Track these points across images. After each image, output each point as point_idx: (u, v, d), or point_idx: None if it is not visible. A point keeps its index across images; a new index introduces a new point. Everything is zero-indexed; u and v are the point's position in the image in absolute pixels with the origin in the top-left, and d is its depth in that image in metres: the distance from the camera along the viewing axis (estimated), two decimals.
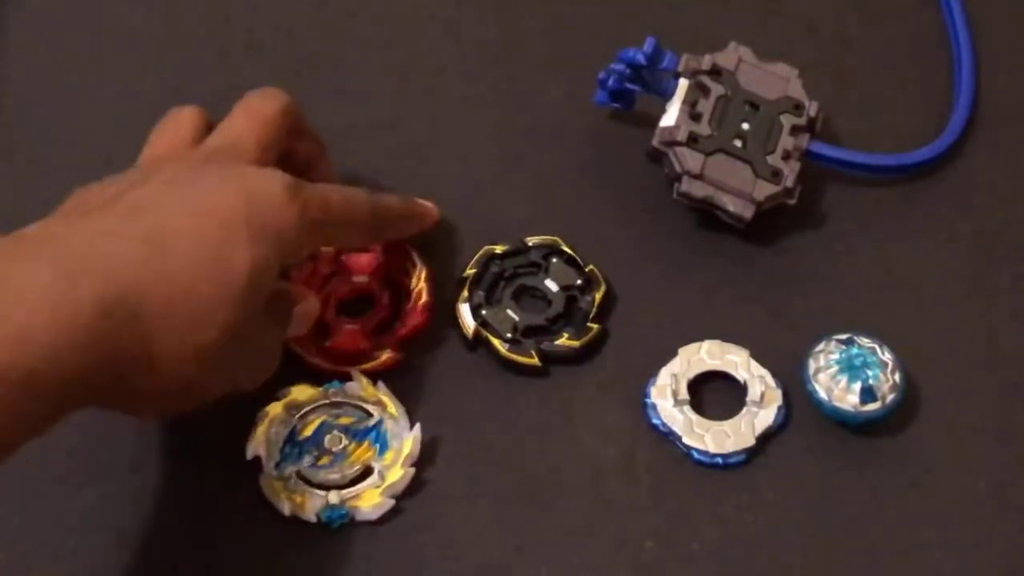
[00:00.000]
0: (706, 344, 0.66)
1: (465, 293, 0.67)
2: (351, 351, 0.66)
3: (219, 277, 0.55)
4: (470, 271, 0.68)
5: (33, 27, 0.75)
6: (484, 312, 0.66)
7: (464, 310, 0.67)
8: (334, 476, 0.63)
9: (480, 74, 0.74)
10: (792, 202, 0.68)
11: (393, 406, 0.64)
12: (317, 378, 0.65)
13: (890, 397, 0.64)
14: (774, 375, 0.66)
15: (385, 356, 0.66)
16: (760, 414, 0.65)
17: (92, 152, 0.70)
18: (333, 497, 0.62)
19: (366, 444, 0.64)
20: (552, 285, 0.68)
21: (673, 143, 0.68)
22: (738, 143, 0.68)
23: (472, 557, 0.62)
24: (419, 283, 0.67)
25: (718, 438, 0.64)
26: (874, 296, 0.68)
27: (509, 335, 0.66)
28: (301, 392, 0.65)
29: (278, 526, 0.62)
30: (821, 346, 0.65)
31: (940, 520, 0.63)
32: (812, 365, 0.64)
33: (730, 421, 0.65)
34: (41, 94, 0.73)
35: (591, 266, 0.68)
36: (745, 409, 0.65)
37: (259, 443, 0.63)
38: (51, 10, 0.76)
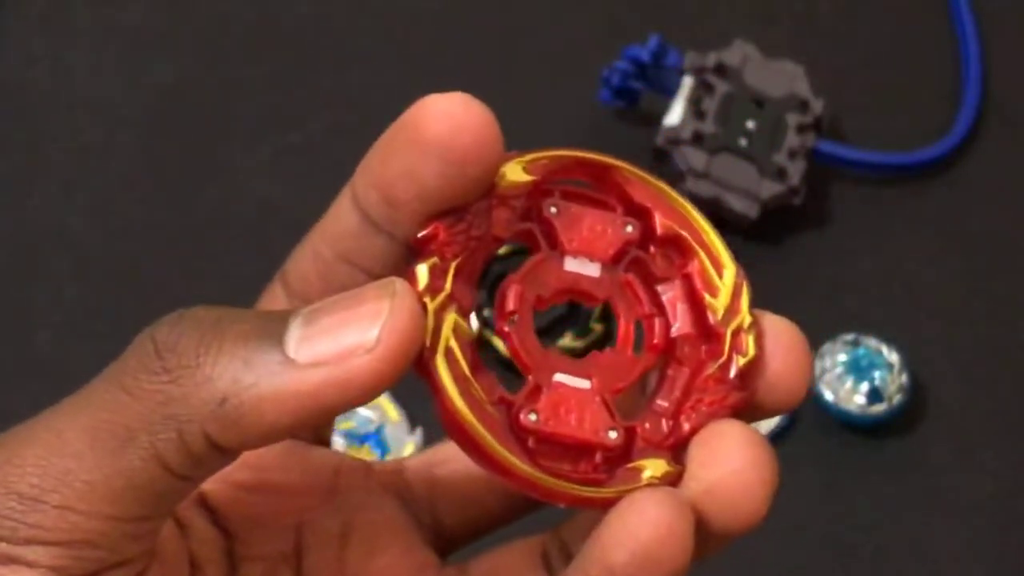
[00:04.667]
0: None
1: None
2: (579, 444, 0.34)
3: None
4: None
5: (33, 27, 0.75)
6: (486, 313, 0.66)
7: None
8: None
9: (482, 72, 0.74)
10: (798, 201, 0.68)
11: (394, 411, 0.64)
12: None
13: (896, 398, 0.64)
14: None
15: (656, 469, 0.34)
16: None
17: (92, 152, 0.70)
18: None
19: (367, 449, 0.64)
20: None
21: (677, 141, 0.67)
22: (743, 142, 0.68)
23: None
24: (728, 298, 0.36)
25: None
26: (880, 296, 0.68)
27: None
28: None
29: None
30: (827, 347, 0.64)
31: (947, 522, 0.63)
32: (818, 366, 0.64)
33: None
34: (41, 94, 0.73)
35: None
36: None
37: None
38: (51, 10, 0.76)
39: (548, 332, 0.66)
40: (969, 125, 0.72)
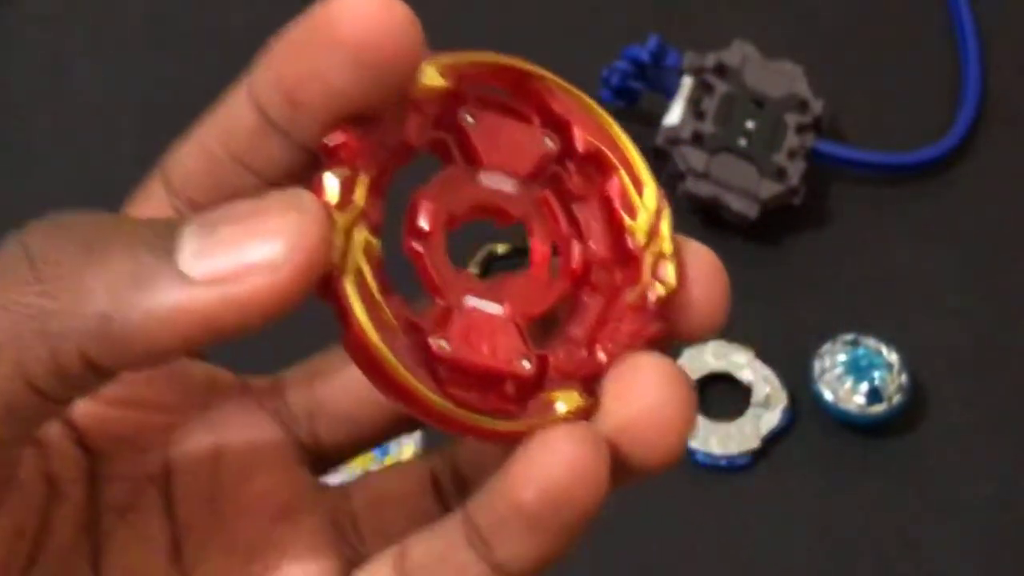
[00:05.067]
0: (711, 345, 0.66)
1: None
2: (491, 373, 0.32)
3: None
4: (471, 271, 0.67)
5: (33, 27, 0.75)
6: None
7: None
8: (334, 482, 0.62)
9: None
10: (797, 201, 0.68)
11: None
12: None
13: (896, 398, 0.64)
14: (779, 376, 0.65)
15: (570, 402, 0.32)
16: (765, 415, 0.64)
17: (91, 152, 0.70)
18: None
19: None
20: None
21: (677, 141, 0.67)
22: (743, 142, 0.68)
23: None
24: (648, 221, 0.33)
25: (723, 440, 0.64)
26: (880, 296, 0.68)
27: None
28: None
29: None
30: (827, 347, 0.64)
31: (946, 522, 0.63)
32: (818, 366, 0.64)
33: (735, 422, 0.64)
34: (41, 94, 0.73)
35: None
36: (750, 410, 0.65)
37: None
38: (51, 10, 0.76)
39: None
40: (969, 125, 0.72)
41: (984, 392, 0.66)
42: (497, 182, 0.33)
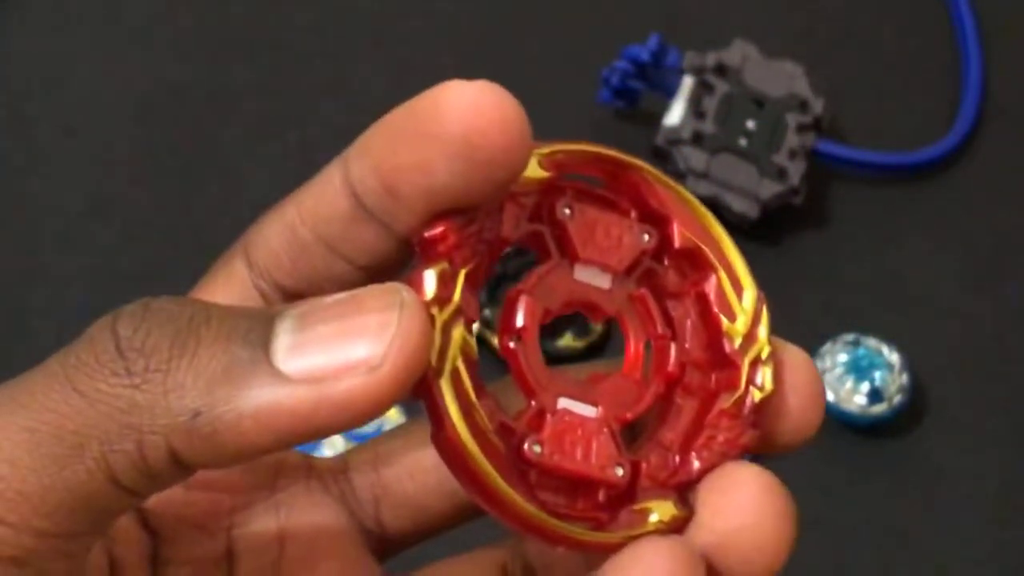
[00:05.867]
0: None
1: None
2: (584, 480, 0.31)
3: None
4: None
5: (33, 26, 0.75)
6: (486, 312, 0.66)
7: None
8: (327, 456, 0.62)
9: (481, 72, 0.74)
10: (798, 201, 0.68)
11: (394, 410, 0.64)
12: None
13: (897, 398, 0.64)
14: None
15: (664, 513, 0.31)
16: None
17: (91, 152, 0.70)
18: None
19: None
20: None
21: (677, 141, 0.67)
22: (743, 142, 0.68)
23: None
24: (746, 324, 0.33)
25: None
26: (881, 296, 0.68)
27: None
28: None
29: None
30: (827, 347, 0.64)
31: (947, 521, 0.63)
32: (818, 366, 0.64)
33: None
34: (40, 93, 0.73)
35: None
36: None
37: None
38: (51, 9, 0.76)
39: (551, 331, 0.66)
40: (969, 125, 0.72)
41: (985, 392, 0.66)
42: (592, 277, 0.32)
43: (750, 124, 0.68)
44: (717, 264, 0.32)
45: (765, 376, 0.32)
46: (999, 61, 0.74)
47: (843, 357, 0.64)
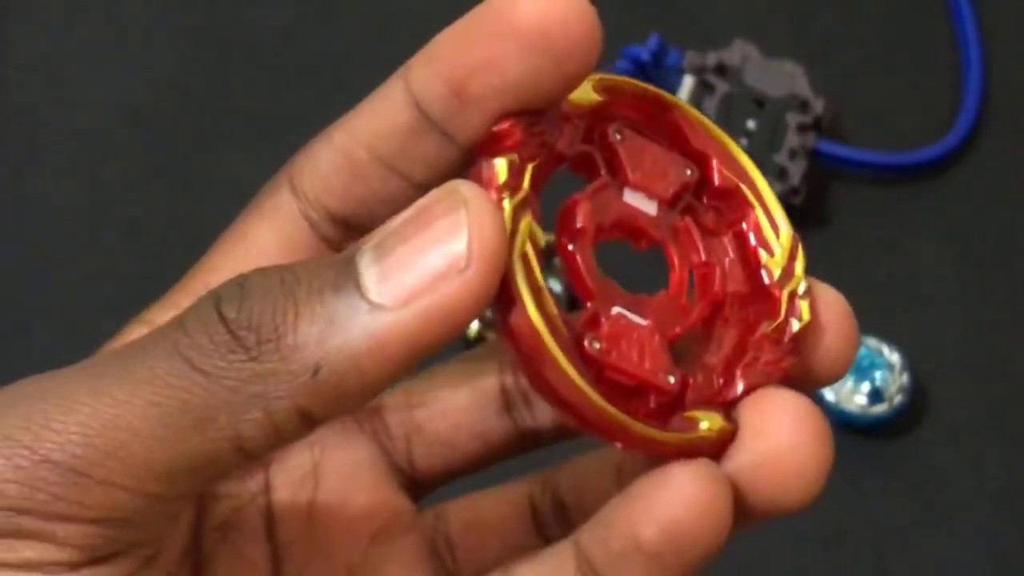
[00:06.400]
0: None
1: None
2: (639, 382, 0.32)
3: None
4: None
5: (33, 26, 0.75)
6: (487, 312, 0.66)
7: None
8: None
9: None
10: (798, 201, 0.68)
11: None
12: None
13: (897, 398, 0.64)
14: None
15: (713, 423, 0.32)
16: None
17: (91, 152, 0.70)
18: None
19: None
20: (556, 285, 0.67)
21: None
22: (744, 142, 0.68)
23: None
24: (784, 259, 0.34)
25: None
26: (881, 296, 0.68)
27: None
28: None
29: None
30: None
31: (947, 522, 0.63)
32: None
33: None
34: (40, 92, 0.73)
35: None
36: None
37: None
38: (51, 8, 0.76)
39: None
40: (969, 125, 0.72)
41: (985, 392, 0.66)
42: (640, 202, 0.33)
43: (750, 124, 0.68)
44: (755, 202, 0.33)
45: (803, 307, 0.33)
46: (999, 61, 0.74)
47: None
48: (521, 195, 0.30)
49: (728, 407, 0.32)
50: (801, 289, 0.33)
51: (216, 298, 0.30)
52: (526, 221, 0.30)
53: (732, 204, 0.33)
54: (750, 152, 0.67)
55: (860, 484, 0.63)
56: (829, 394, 0.63)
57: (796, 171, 0.68)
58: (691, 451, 0.31)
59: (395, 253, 0.29)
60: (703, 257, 0.33)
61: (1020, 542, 0.63)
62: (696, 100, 0.68)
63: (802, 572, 0.62)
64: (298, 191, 0.33)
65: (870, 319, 0.67)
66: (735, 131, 0.68)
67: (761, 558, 0.62)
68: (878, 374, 0.64)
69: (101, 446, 0.29)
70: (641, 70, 0.69)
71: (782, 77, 0.69)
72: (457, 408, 0.33)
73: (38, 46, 0.74)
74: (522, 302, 0.30)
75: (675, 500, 0.30)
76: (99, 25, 0.75)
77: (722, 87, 0.69)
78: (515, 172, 0.30)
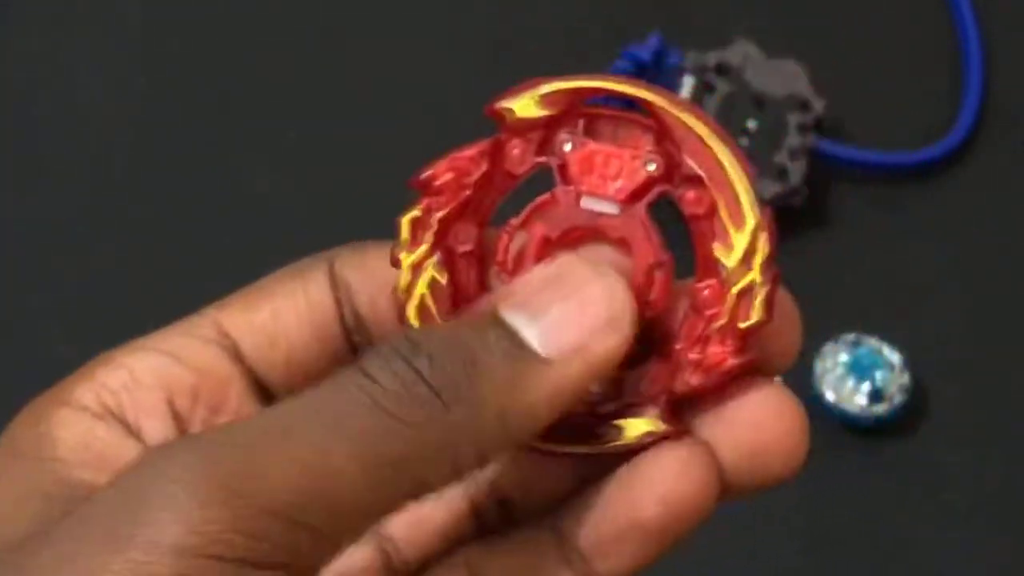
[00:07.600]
0: None
1: None
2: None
3: None
4: None
5: (33, 27, 0.75)
6: None
7: None
8: None
9: (482, 71, 0.74)
10: (799, 201, 0.68)
11: None
12: None
13: (898, 398, 0.64)
14: (780, 376, 0.65)
15: (653, 425, 0.34)
16: None
17: (91, 152, 0.70)
18: None
19: None
20: None
21: None
22: (744, 142, 0.68)
23: None
24: (744, 256, 0.34)
25: None
26: (881, 296, 0.68)
27: None
28: None
29: None
30: (828, 347, 0.64)
31: (947, 522, 0.63)
32: (819, 366, 0.64)
33: None
34: (40, 93, 0.73)
35: None
36: None
37: None
38: (51, 9, 0.76)
39: None
40: (969, 125, 0.72)
41: (985, 392, 0.66)
42: (598, 204, 0.35)
43: (751, 124, 0.68)
44: (717, 194, 0.34)
45: (756, 305, 0.34)
46: (999, 61, 0.74)
47: (844, 357, 0.64)
48: (419, 252, 0.34)
49: (680, 399, 0.34)
50: (757, 283, 0.34)
51: (402, 352, 0.33)
52: (424, 277, 0.34)
53: (699, 194, 0.34)
54: (750, 152, 0.67)
55: (860, 484, 0.63)
56: (829, 394, 0.63)
57: (796, 171, 0.68)
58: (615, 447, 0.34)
59: (551, 313, 0.33)
60: (660, 254, 0.34)
61: (1020, 542, 0.63)
62: (697, 100, 0.68)
63: (802, 572, 0.62)
64: (336, 274, 0.37)
65: (870, 319, 0.67)
66: (736, 131, 0.68)
67: (761, 557, 0.62)
68: (878, 374, 0.64)
69: (314, 495, 0.31)
70: (642, 70, 0.69)
71: (782, 77, 0.69)
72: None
73: (38, 46, 0.74)
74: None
75: (669, 478, 0.34)
76: (99, 25, 0.75)
77: (723, 87, 0.69)
78: (419, 226, 0.34)
